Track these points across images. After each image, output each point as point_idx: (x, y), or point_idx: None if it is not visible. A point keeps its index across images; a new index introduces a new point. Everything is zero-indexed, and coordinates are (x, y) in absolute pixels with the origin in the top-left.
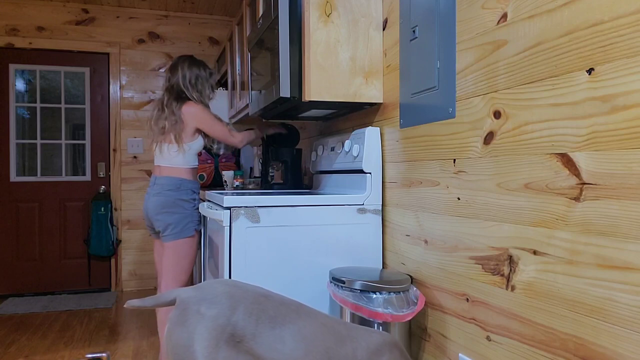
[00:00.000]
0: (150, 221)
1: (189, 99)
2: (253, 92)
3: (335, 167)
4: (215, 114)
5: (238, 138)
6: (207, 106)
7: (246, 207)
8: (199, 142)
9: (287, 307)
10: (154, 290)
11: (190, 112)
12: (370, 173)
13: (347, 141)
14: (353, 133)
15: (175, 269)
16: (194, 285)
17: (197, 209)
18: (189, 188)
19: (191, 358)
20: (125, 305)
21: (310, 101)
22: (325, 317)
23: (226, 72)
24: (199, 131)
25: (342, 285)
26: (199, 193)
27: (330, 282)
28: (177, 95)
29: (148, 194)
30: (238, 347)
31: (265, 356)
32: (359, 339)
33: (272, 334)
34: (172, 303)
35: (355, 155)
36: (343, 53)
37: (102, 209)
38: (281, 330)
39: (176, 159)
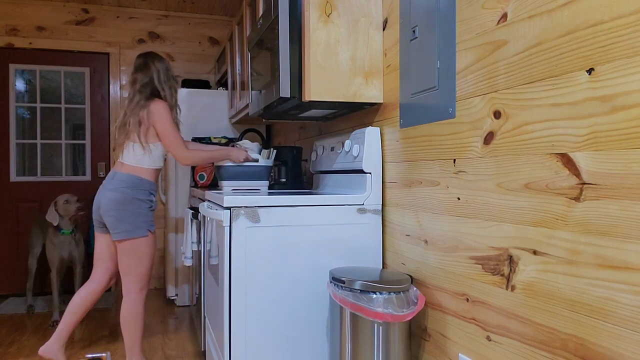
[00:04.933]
0: (99, 215)
1: (158, 97)
2: (253, 92)
3: (335, 167)
4: (178, 119)
5: (185, 154)
6: (173, 106)
7: (246, 207)
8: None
9: None
10: (153, 291)
11: (154, 111)
12: (370, 173)
13: (347, 141)
14: (353, 133)
15: (134, 270)
16: None
17: (153, 210)
18: (146, 189)
19: None
20: None
21: (310, 101)
22: None
23: (226, 72)
24: None
25: (342, 285)
26: (156, 195)
27: (330, 282)
28: (150, 94)
29: (103, 187)
30: None
31: None
32: None
33: None
34: None
35: (355, 155)
36: (343, 53)
37: None
38: None
39: (142, 159)
